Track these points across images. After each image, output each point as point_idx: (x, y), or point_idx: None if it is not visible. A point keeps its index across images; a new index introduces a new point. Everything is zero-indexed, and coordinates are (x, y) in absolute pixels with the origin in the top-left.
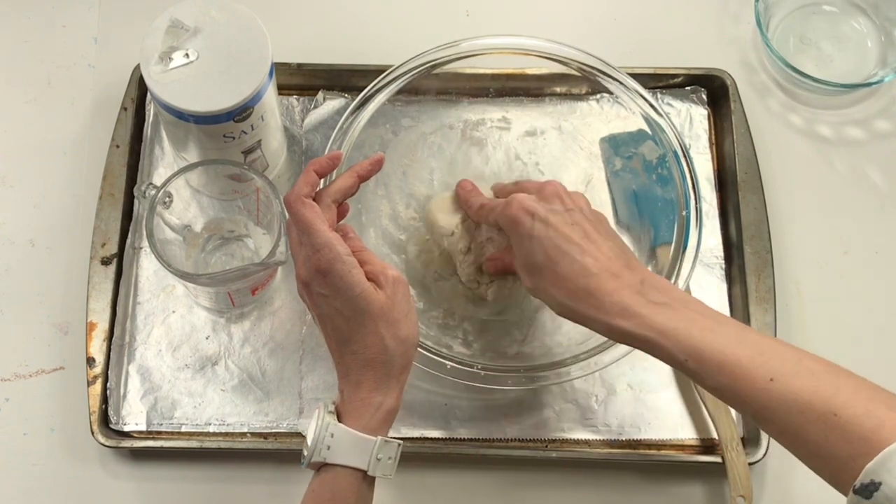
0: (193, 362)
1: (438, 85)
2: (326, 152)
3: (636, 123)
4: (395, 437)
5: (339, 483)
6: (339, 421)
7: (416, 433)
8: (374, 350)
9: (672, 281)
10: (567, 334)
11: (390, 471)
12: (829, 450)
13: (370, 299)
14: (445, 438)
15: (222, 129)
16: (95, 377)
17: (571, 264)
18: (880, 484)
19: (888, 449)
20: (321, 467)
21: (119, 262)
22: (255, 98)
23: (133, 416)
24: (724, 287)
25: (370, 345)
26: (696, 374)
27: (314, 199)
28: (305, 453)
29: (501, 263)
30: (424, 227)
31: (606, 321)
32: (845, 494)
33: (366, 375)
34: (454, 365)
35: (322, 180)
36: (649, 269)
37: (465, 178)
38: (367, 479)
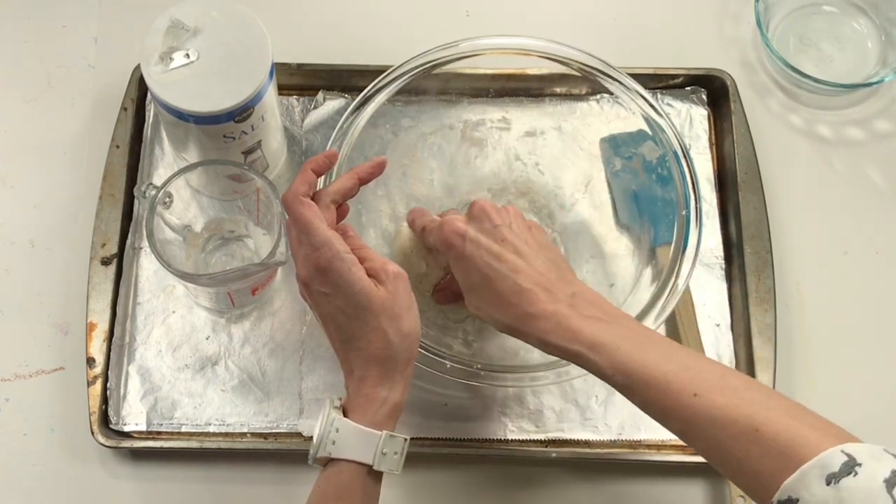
0: (193, 362)
1: (438, 85)
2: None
3: (636, 124)
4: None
5: (345, 478)
6: (345, 416)
7: (416, 433)
8: (378, 346)
9: (672, 281)
10: None
11: (396, 466)
12: (750, 465)
13: (371, 295)
14: (445, 438)
15: (222, 129)
16: (95, 377)
17: (504, 281)
18: (797, 500)
19: (806, 465)
20: (327, 463)
21: (119, 263)
22: (256, 98)
23: (133, 417)
24: (724, 287)
25: (373, 340)
26: (624, 389)
27: (313, 199)
28: (311, 450)
29: (449, 291)
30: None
31: (540, 336)
32: None
33: (370, 371)
34: (454, 365)
35: (323, 180)
36: (648, 269)
37: (464, 177)
38: (374, 474)
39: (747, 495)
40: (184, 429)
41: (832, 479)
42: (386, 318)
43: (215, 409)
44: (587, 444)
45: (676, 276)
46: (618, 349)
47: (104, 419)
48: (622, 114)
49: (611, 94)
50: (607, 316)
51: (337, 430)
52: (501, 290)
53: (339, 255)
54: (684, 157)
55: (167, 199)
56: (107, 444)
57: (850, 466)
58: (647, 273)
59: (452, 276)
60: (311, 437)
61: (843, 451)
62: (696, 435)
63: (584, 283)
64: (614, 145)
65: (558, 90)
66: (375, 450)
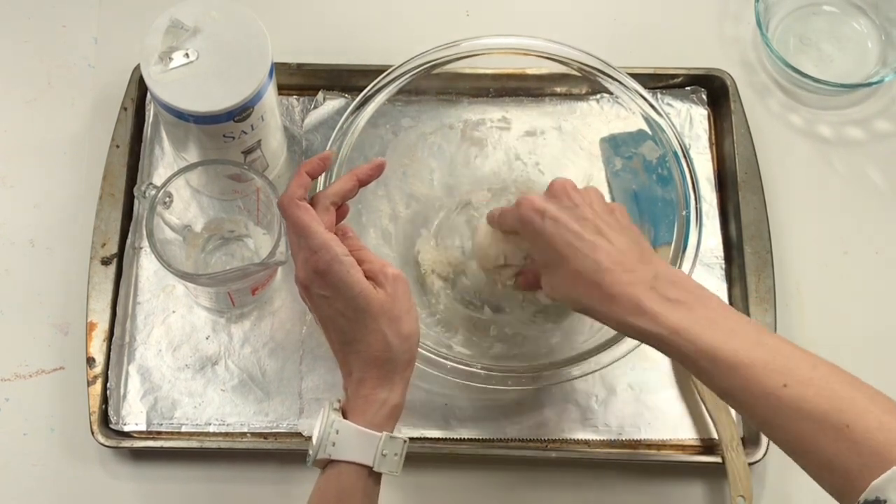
0: (193, 362)
1: (438, 85)
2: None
3: (636, 123)
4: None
5: (345, 479)
6: (345, 418)
7: (416, 433)
8: (377, 348)
9: None
10: (567, 334)
11: (396, 467)
12: (837, 461)
13: (370, 298)
14: (445, 438)
15: (222, 129)
16: (95, 377)
17: (583, 260)
18: (885, 501)
19: None
20: (327, 465)
21: (119, 262)
22: (255, 98)
23: (133, 416)
24: (724, 287)
25: (372, 343)
26: (707, 375)
27: (312, 201)
28: (310, 452)
29: (531, 275)
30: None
31: (619, 318)
32: None
33: (369, 373)
34: (454, 365)
35: (322, 180)
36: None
37: (464, 177)
38: (374, 476)
39: (827, 492)
40: (184, 429)
41: None
42: (385, 321)
43: (215, 408)
44: (587, 444)
45: None
46: (702, 333)
47: (104, 419)
48: (622, 114)
49: (611, 93)
50: (692, 298)
51: (337, 432)
52: (581, 269)
53: (338, 257)
54: (684, 157)
55: (167, 199)
56: (107, 444)
57: None
58: None
59: (533, 262)
60: (311, 438)
61: None
62: (782, 427)
63: (667, 263)
64: (614, 145)
65: (558, 90)
66: (375, 451)
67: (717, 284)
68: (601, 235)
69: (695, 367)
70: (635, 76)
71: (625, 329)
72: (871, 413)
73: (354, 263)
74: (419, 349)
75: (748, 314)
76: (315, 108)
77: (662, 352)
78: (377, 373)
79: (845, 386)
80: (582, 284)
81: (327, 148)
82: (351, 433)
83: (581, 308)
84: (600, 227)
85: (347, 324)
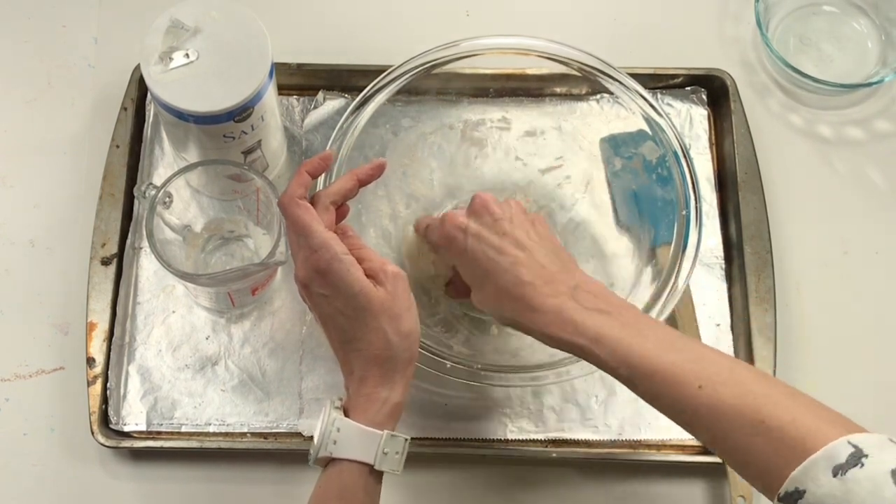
0: (193, 362)
1: (438, 85)
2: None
3: (636, 123)
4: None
5: (346, 478)
6: (346, 417)
7: (416, 433)
8: (378, 346)
9: (672, 281)
10: None
11: (397, 465)
12: (757, 458)
13: (370, 296)
14: (445, 438)
15: (222, 129)
16: (95, 377)
17: (505, 275)
18: (804, 492)
19: (813, 457)
20: (328, 463)
21: (119, 262)
22: (255, 98)
23: (133, 417)
24: (724, 287)
25: (373, 341)
26: (627, 382)
27: (312, 201)
28: (312, 450)
29: (461, 284)
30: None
31: (543, 329)
32: (773, 502)
33: (370, 371)
34: (454, 364)
35: (322, 180)
36: (648, 269)
37: (464, 177)
38: (375, 474)
39: (755, 487)
40: (184, 429)
41: (839, 470)
42: (386, 319)
43: (215, 408)
44: (587, 444)
45: (676, 276)
46: (620, 341)
47: (104, 419)
48: (622, 114)
49: (611, 94)
50: (611, 307)
51: (338, 430)
52: (503, 283)
53: (338, 256)
54: (684, 157)
55: (167, 199)
56: (107, 444)
57: (857, 458)
58: (647, 273)
59: (457, 274)
60: (312, 437)
61: (849, 443)
62: (702, 427)
63: (587, 275)
64: (614, 145)
65: (558, 90)
66: (377, 449)
67: (717, 284)
68: (521, 249)
69: (615, 375)
70: (635, 76)
71: (549, 340)
72: (786, 408)
73: (354, 262)
74: (420, 349)
75: (748, 314)
76: (315, 108)
77: (586, 360)
78: (378, 371)
79: (761, 385)
80: (506, 298)
81: (327, 148)
82: (352, 431)
83: (508, 321)
84: (521, 240)
85: (348, 322)
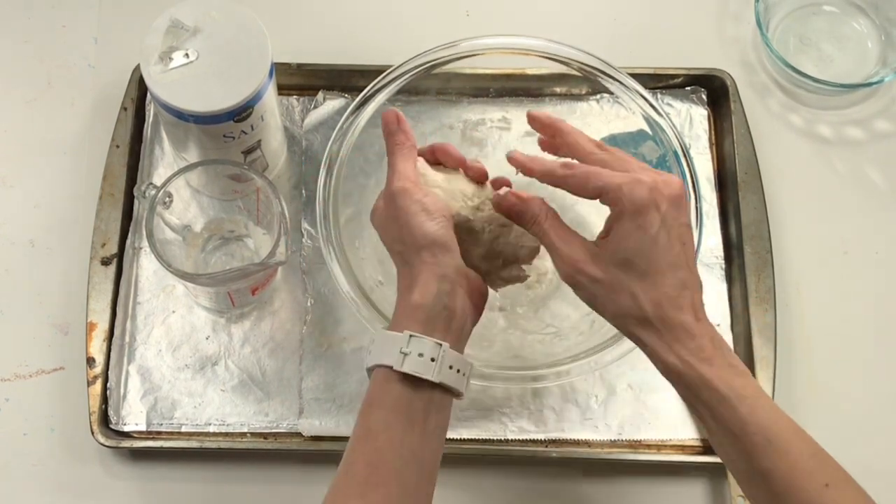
0: (193, 362)
1: (438, 85)
2: (326, 152)
3: (636, 123)
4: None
5: (375, 385)
6: None
7: None
8: (396, 253)
9: None
10: (567, 334)
11: (426, 370)
12: None
13: (376, 209)
14: (445, 438)
15: (222, 129)
16: (95, 377)
17: (664, 279)
18: None
19: None
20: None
21: (119, 262)
22: (255, 98)
23: (133, 416)
24: (724, 287)
25: (391, 246)
26: (759, 449)
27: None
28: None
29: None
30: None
31: (670, 343)
32: None
33: (399, 282)
34: None
35: (323, 180)
36: None
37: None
38: (407, 381)
39: None
40: (184, 429)
41: None
42: (396, 223)
43: (215, 408)
44: (587, 444)
45: None
46: (758, 404)
47: (104, 419)
48: (622, 114)
49: (611, 93)
50: (739, 365)
51: (372, 342)
52: (660, 285)
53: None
54: (684, 156)
55: (167, 199)
56: (107, 443)
57: None
58: None
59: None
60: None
61: None
62: None
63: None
64: (614, 145)
65: (558, 90)
66: (397, 350)
67: (717, 284)
68: (690, 266)
69: (745, 440)
70: (635, 76)
71: (664, 361)
72: None
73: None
74: None
75: (748, 314)
76: (315, 108)
77: (703, 407)
78: (403, 281)
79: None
80: (651, 302)
81: (327, 148)
82: (378, 337)
83: (624, 321)
84: (689, 254)
85: (391, 229)
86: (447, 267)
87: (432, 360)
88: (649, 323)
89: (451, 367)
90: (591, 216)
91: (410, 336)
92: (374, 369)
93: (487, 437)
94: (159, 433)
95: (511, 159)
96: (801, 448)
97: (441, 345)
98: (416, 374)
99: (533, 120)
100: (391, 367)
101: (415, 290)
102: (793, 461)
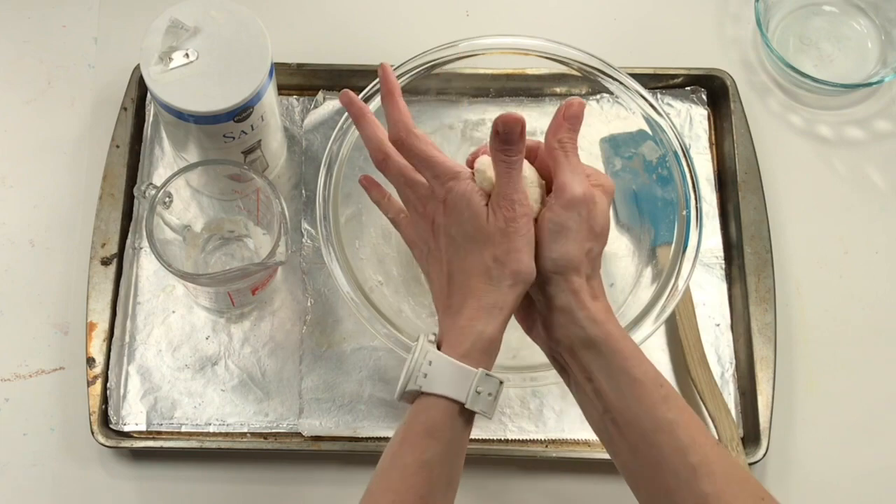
0: (193, 362)
1: (439, 85)
2: (326, 152)
3: (636, 123)
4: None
5: (435, 415)
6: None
7: None
8: (479, 273)
9: (672, 281)
10: None
11: (490, 409)
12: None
13: (482, 221)
14: None
15: (222, 129)
16: (95, 377)
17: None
18: None
19: None
20: (416, 398)
21: (119, 262)
22: (255, 98)
23: (133, 416)
24: (724, 287)
25: (475, 267)
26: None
27: (406, 142)
28: (400, 384)
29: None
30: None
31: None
32: None
33: (468, 302)
34: None
35: (323, 181)
36: (648, 269)
37: None
38: (465, 414)
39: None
40: (184, 429)
41: None
42: (492, 246)
43: (215, 408)
44: (587, 444)
45: (677, 277)
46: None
47: (104, 419)
48: (622, 114)
49: (611, 94)
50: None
51: (430, 364)
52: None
53: (461, 175)
54: (684, 157)
55: (167, 199)
56: (107, 444)
57: None
58: (648, 273)
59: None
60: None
61: None
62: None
63: None
64: (614, 145)
65: (558, 90)
66: (470, 387)
67: (717, 284)
68: None
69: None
70: (635, 76)
71: (564, 308)
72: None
73: (476, 189)
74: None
75: (748, 314)
76: (315, 108)
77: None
78: (476, 303)
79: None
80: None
81: (327, 148)
82: (444, 365)
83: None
84: None
85: (455, 249)
86: (517, 304)
87: (490, 395)
88: (584, 268)
89: (495, 399)
90: None
91: (486, 375)
92: (430, 396)
93: (487, 437)
94: (159, 433)
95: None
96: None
97: (502, 383)
98: (482, 414)
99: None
100: (462, 404)
101: (493, 320)
102: (690, 415)
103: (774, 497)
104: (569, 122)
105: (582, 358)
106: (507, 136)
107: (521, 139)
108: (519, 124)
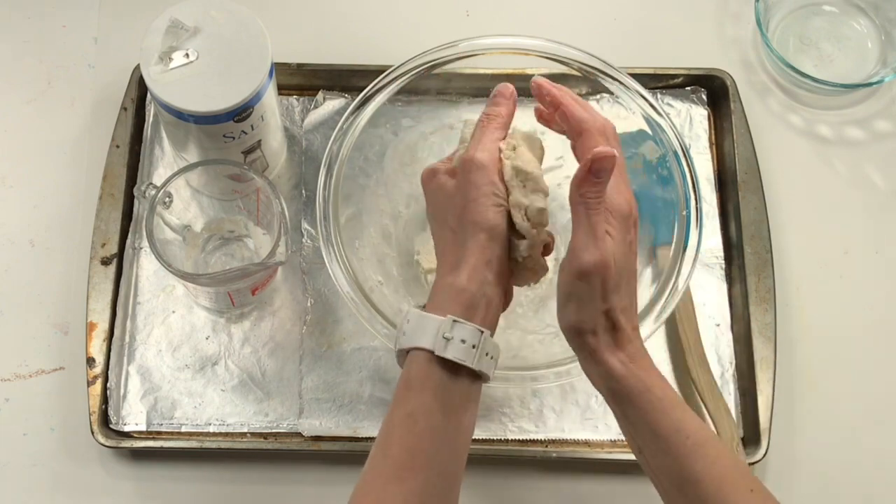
0: (193, 362)
1: (438, 85)
2: (326, 152)
3: (636, 123)
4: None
5: (412, 368)
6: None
7: None
8: (446, 235)
9: (672, 281)
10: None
11: (467, 356)
12: None
13: (447, 192)
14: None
15: (222, 129)
16: (95, 377)
17: (629, 287)
18: None
19: None
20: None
21: (119, 262)
22: (255, 98)
23: (133, 417)
24: (724, 287)
25: (444, 229)
26: (689, 455)
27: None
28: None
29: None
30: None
31: (621, 366)
32: None
33: (443, 260)
34: None
35: (323, 180)
36: (648, 269)
37: None
38: (447, 367)
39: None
40: (184, 429)
41: None
42: (453, 205)
43: (215, 408)
44: (587, 444)
45: (677, 277)
46: (687, 412)
47: (104, 419)
48: (622, 114)
49: (611, 93)
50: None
51: (408, 321)
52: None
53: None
54: (684, 157)
55: (167, 199)
56: (107, 444)
57: None
58: (647, 273)
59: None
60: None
61: None
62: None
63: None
64: None
65: None
66: (436, 333)
67: (717, 284)
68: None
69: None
70: (635, 76)
71: (586, 349)
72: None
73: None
74: None
75: (748, 314)
76: (315, 108)
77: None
78: (446, 262)
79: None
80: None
81: (327, 148)
82: (415, 317)
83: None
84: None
85: (437, 227)
86: (497, 255)
87: (473, 346)
88: (601, 327)
89: (487, 354)
90: None
91: (454, 321)
92: (409, 351)
93: (487, 437)
94: (159, 433)
95: (537, 85)
96: (727, 455)
97: (482, 331)
98: (458, 361)
99: (539, 88)
100: (432, 352)
101: (461, 272)
102: (722, 468)
103: None
104: (595, 176)
105: (610, 403)
106: (492, 97)
107: (505, 101)
108: (507, 92)
